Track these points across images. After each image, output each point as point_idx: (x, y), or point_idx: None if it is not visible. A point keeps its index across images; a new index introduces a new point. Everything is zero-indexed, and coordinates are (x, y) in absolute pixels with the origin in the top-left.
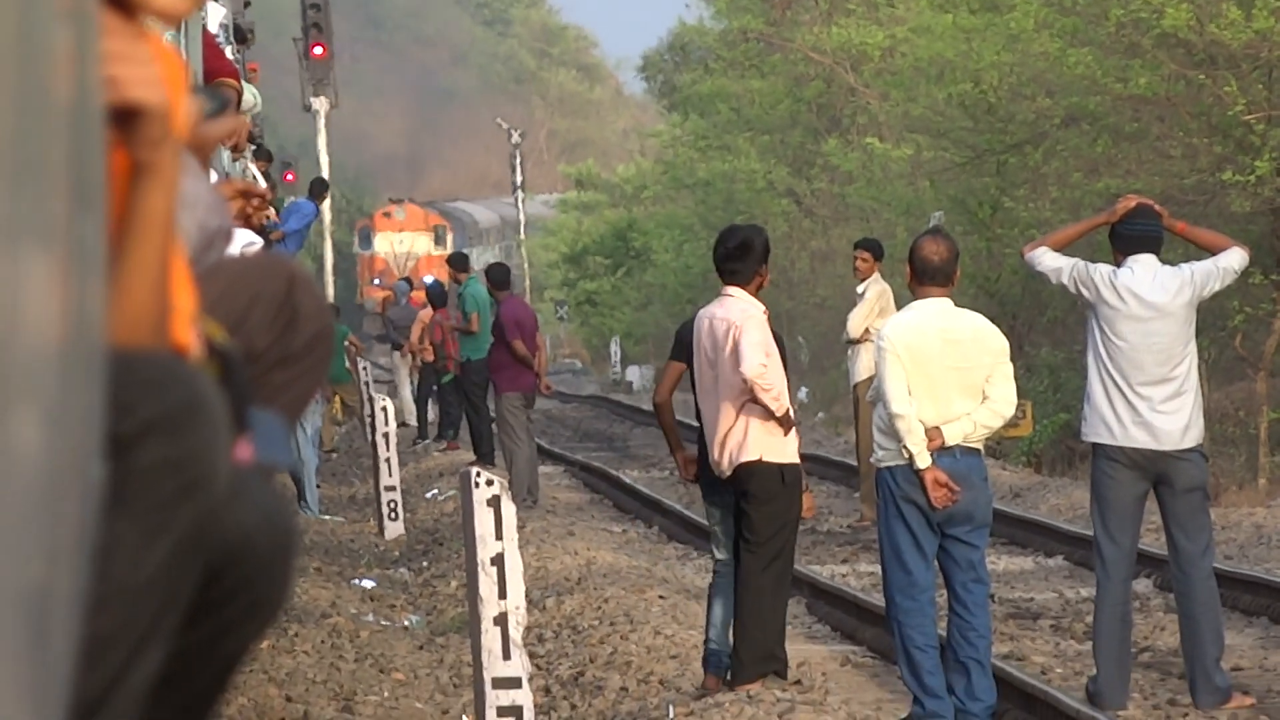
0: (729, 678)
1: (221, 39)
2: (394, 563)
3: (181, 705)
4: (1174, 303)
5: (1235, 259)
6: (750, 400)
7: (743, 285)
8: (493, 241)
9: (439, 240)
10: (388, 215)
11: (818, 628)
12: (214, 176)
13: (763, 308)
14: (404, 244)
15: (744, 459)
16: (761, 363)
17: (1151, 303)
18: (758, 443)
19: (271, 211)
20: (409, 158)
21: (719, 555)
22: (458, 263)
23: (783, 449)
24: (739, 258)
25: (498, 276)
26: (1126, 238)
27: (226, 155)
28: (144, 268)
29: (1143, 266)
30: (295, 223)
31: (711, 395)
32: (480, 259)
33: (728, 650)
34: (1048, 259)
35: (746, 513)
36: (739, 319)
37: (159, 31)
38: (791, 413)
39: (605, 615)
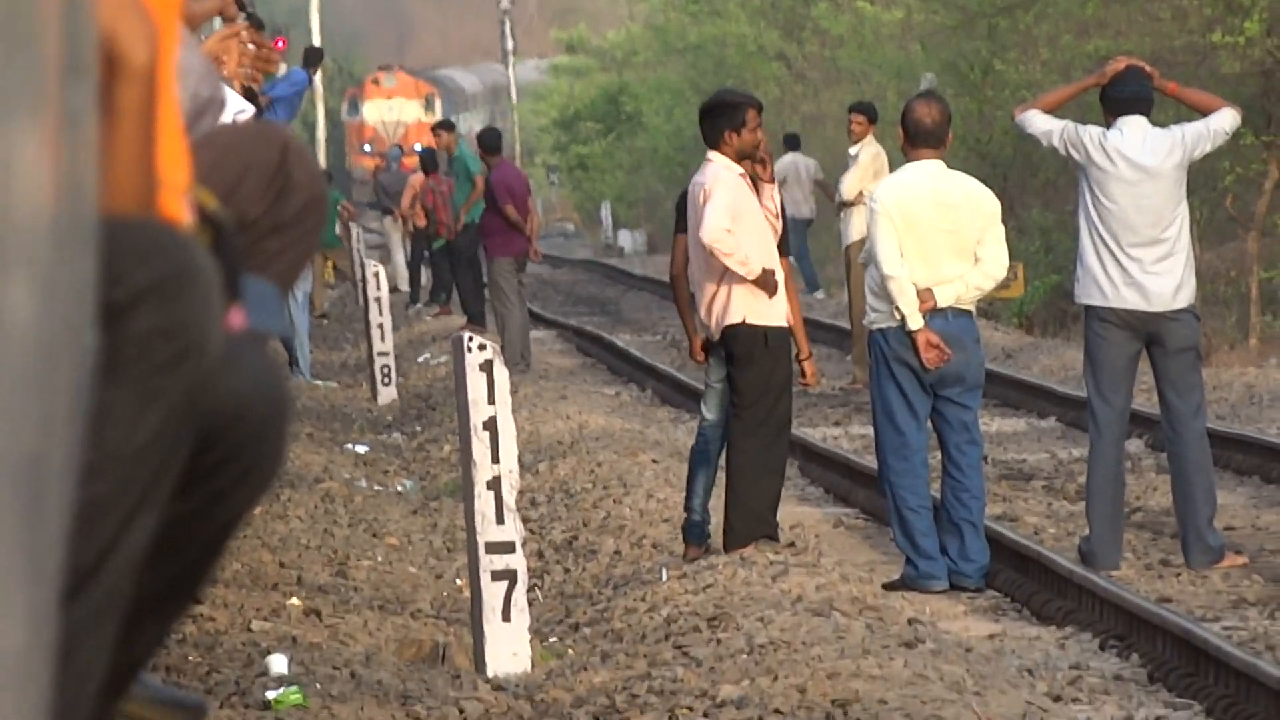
0: (722, 543)
1: None
2: (387, 428)
3: (176, 571)
4: (1164, 164)
5: (1226, 120)
6: None
7: (716, 148)
8: (482, 107)
9: (429, 107)
10: (377, 82)
11: (810, 490)
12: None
13: (738, 170)
14: (394, 111)
15: (728, 321)
16: (721, 226)
17: (1141, 164)
18: (741, 305)
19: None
20: (400, 24)
21: (707, 416)
22: (447, 129)
23: (767, 311)
24: (703, 121)
25: (489, 142)
26: (1116, 99)
27: (218, 24)
28: (125, 146)
29: (1133, 128)
30: (285, 89)
31: (696, 261)
32: (470, 125)
33: (708, 520)
34: (1039, 121)
35: (732, 376)
36: (709, 182)
37: None
38: (776, 274)
39: (598, 479)
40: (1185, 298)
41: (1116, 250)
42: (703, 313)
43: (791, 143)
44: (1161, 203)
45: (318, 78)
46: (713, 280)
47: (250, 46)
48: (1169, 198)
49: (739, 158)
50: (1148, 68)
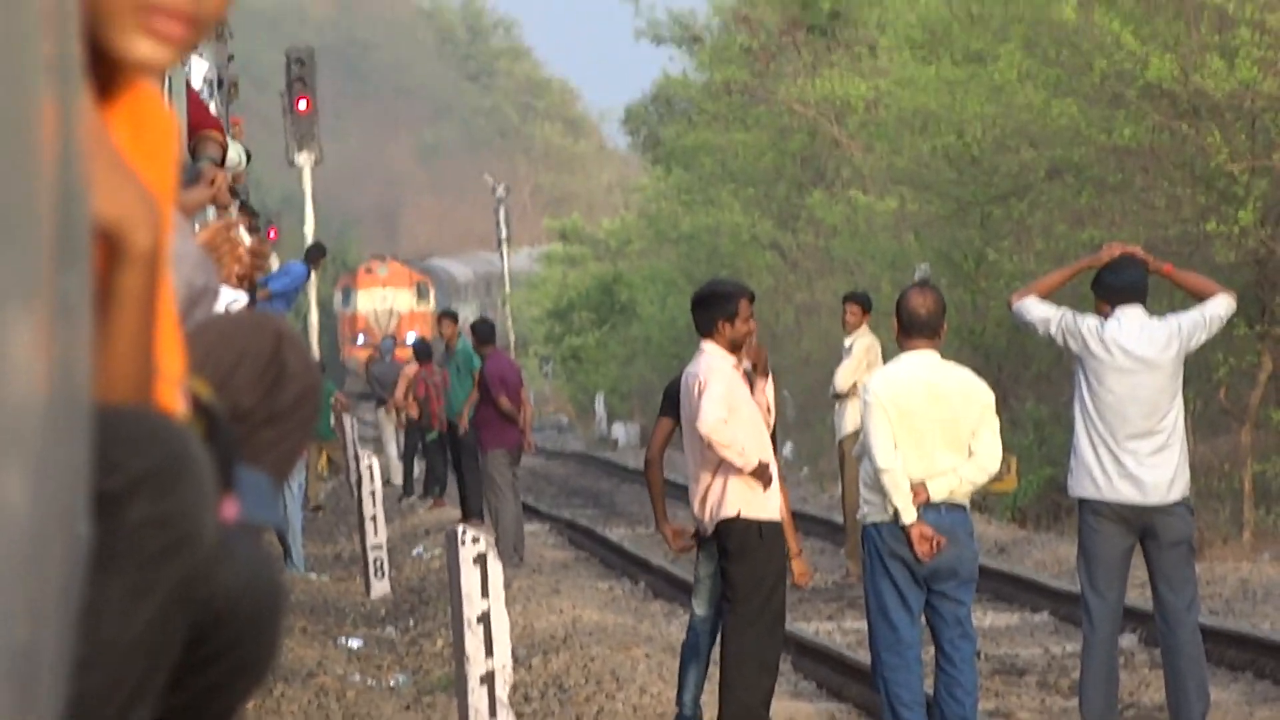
0: None
1: (205, 93)
2: (380, 621)
3: None
4: (1162, 356)
5: (1222, 306)
6: None
7: (710, 338)
8: (475, 297)
9: (422, 296)
10: (370, 271)
11: (803, 684)
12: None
13: (732, 360)
14: (386, 301)
15: (723, 515)
16: (719, 417)
17: (1139, 355)
18: (735, 498)
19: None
20: (393, 213)
21: (697, 610)
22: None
23: (762, 505)
24: (695, 311)
25: (483, 332)
26: (1113, 288)
27: (211, 213)
28: (125, 334)
29: (1130, 318)
30: (285, 283)
31: (691, 452)
32: (465, 315)
33: (699, 716)
34: (1036, 310)
35: (725, 570)
36: (704, 373)
37: (154, 88)
38: (770, 467)
39: (591, 674)
40: (1180, 490)
41: (1111, 442)
42: (696, 505)
43: None
44: (1158, 394)
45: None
46: (708, 472)
47: (246, 237)
48: (1165, 389)
49: (731, 348)
50: (1140, 253)
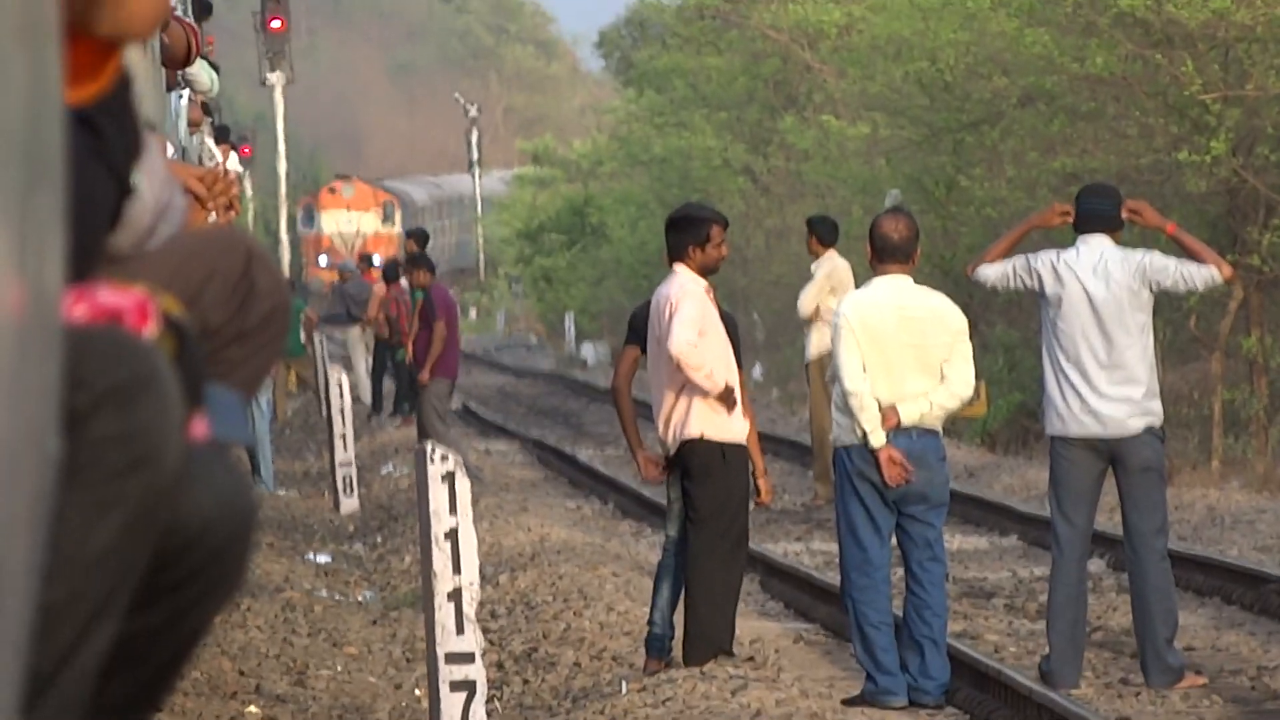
0: (680, 657)
1: (180, 10)
2: (348, 538)
3: (138, 683)
4: (1116, 284)
5: (1203, 273)
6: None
7: (681, 261)
8: (444, 217)
9: (387, 217)
10: (333, 192)
11: (771, 605)
12: (171, 152)
13: (704, 284)
14: (351, 222)
15: (686, 436)
16: (689, 340)
17: (1092, 284)
18: (699, 420)
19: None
20: (363, 134)
21: (669, 532)
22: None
23: (725, 427)
24: (668, 234)
25: (424, 264)
26: (1078, 214)
27: (183, 128)
28: None
29: (1091, 247)
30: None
31: (657, 373)
32: (433, 235)
33: (670, 634)
34: (992, 270)
35: (689, 491)
36: (675, 295)
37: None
38: (735, 391)
39: (559, 591)
40: (1143, 423)
41: (1075, 376)
42: (660, 426)
43: None
44: (1115, 326)
45: (281, 188)
46: (672, 393)
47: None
48: (1122, 320)
49: (703, 272)
50: (1136, 203)
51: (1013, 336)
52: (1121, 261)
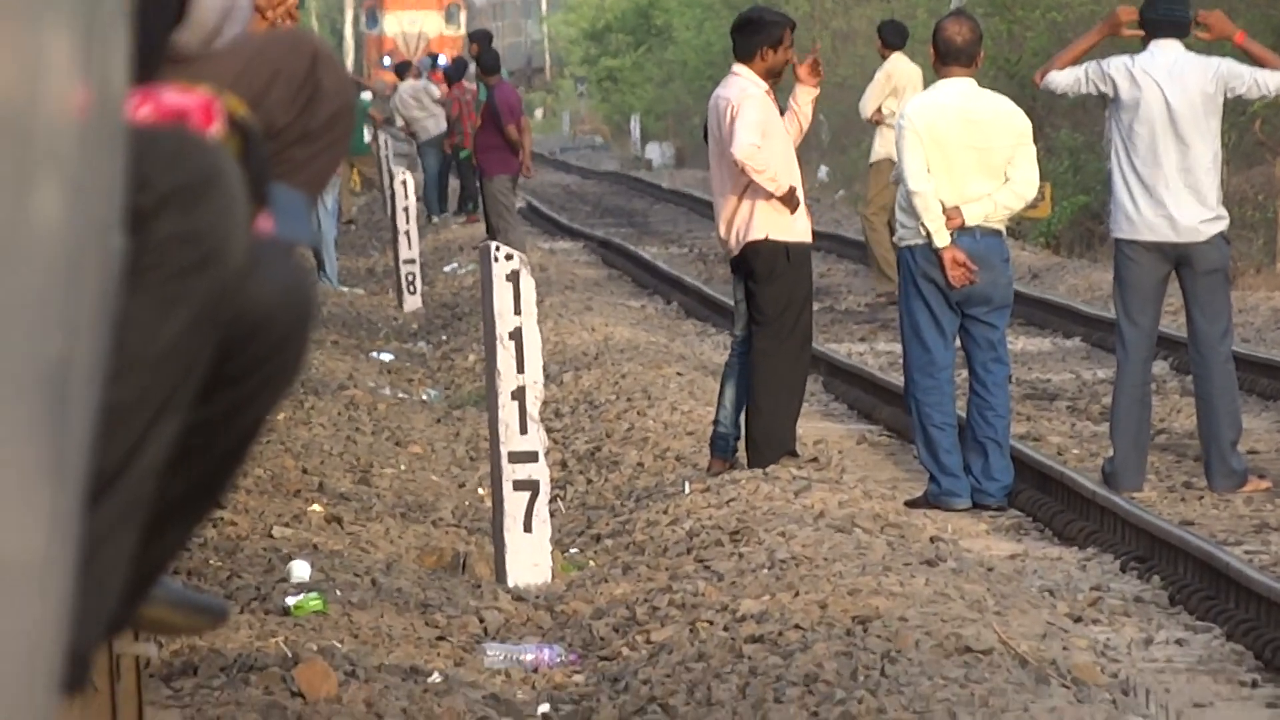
0: (745, 458)
1: None
2: (412, 336)
3: (199, 477)
4: (1192, 89)
5: (1277, 79)
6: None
7: (746, 62)
8: (510, 18)
9: (450, 19)
10: None
11: (834, 406)
12: None
13: (764, 86)
14: (414, 23)
15: (750, 238)
16: (753, 143)
17: (1169, 88)
18: (763, 222)
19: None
20: None
21: (736, 332)
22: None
23: (789, 227)
24: (736, 35)
25: (488, 63)
26: (1149, 20)
27: None
28: None
29: (1164, 52)
30: None
31: (719, 175)
32: (498, 37)
33: (735, 434)
34: (1062, 77)
35: (753, 292)
36: (736, 98)
37: None
38: (798, 191)
39: (622, 391)
40: (1214, 224)
41: (1147, 180)
42: (722, 229)
43: None
44: (1189, 129)
45: None
46: (735, 196)
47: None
48: (1197, 125)
49: (768, 76)
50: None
51: (1077, 140)
52: (1197, 66)
